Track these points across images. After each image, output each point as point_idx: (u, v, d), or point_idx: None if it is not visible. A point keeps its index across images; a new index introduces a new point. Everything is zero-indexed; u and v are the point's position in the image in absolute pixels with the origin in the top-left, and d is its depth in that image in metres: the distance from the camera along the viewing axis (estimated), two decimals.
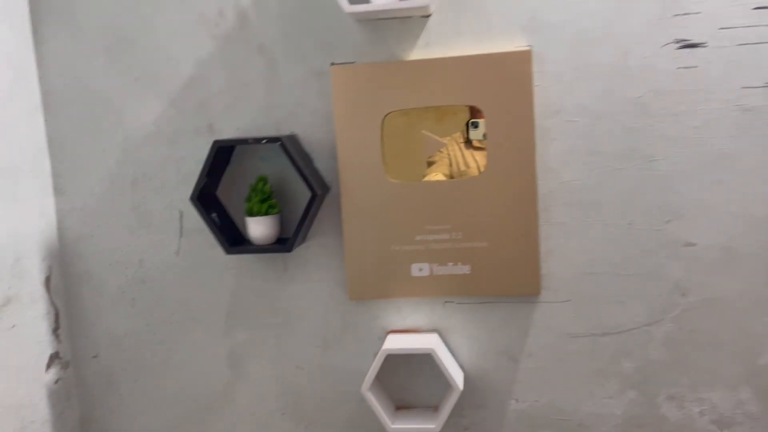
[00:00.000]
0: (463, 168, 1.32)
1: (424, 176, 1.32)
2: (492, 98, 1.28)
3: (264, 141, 1.28)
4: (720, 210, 1.26)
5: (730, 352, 1.29)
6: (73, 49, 1.41)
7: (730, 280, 1.28)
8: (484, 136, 1.29)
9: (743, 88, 1.23)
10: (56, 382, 1.45)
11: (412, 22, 1.30)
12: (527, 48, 1.28)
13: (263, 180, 1.33)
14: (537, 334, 1.35)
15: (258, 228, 1.32)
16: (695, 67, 1.24)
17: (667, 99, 1.25)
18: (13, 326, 1.34)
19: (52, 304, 1.45)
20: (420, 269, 1.35)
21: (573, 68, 1.27)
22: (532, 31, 1.28)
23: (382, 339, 1.38)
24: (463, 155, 1.31)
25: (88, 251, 1.47)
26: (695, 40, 1.23)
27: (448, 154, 1.31)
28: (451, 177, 1.32)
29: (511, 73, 1.28)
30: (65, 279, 1.49)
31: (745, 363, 1.29)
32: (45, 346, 1.43)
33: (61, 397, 1.46)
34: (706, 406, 1.31)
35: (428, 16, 1.30)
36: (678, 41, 1.24)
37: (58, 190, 1.46)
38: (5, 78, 1.35)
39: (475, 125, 1.30)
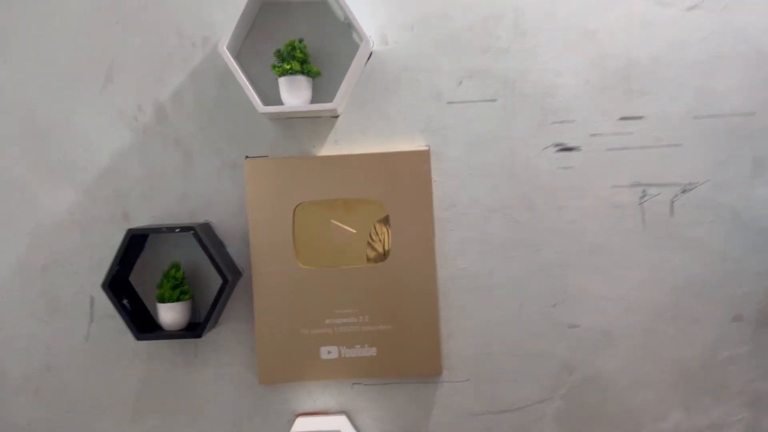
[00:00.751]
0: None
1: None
2: (395, 192, 1.39)
3: (177, 230, 1.33)
4: (597, 295, 1.40)
5: (612, 426, 1.40)
6: None
7: (610, 359, 1.40)
8: None
9: (613, 186, 1.40)
10: None
11: (322, 121, 1.42)
12: (426, 148, 1.41)
13: (176, 266, 1.37)
14: (440, 413, 1.42)
15: (169, 314, 1.35)
16: (572, 167, 1.40)
17: (548, 195, 1.40)
18: None
19: None
20: (329, 352, 1.41)
21: (467, 166, 1.41)
22: (430, 133, 1.41)
23: (292, 422, 1.41)
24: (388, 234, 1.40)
25: None
26: (571, 145, 1.40)
27: (376, 233, 1.40)
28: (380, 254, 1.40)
29: (412, 170, 1.40)
30: None
31: None
32: None
33: None
34: None
35: (337, 117, 1.41)
36: (556, 145, 1.40)
37: None
38: None
39: None
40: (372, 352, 1.41)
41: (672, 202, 1.39)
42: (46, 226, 1.43)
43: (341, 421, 1.38)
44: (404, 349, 1.40)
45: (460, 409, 1.42)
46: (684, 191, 1.39)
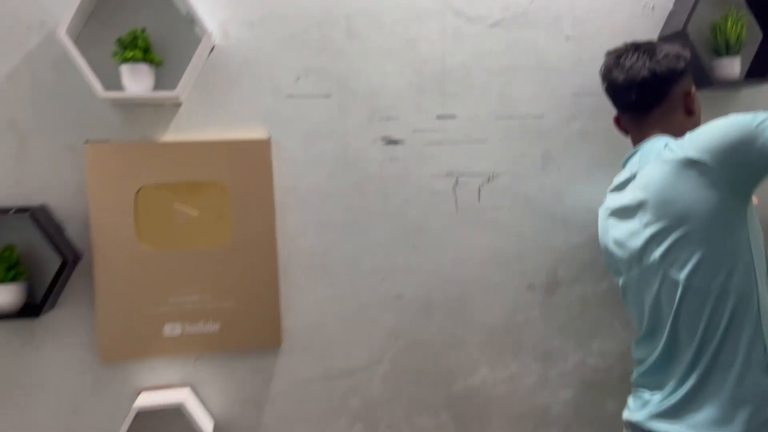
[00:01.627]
0: None
1: None
2: (237, 178, 1.49)
3: (12, 211, 1.33)
4: (418, 269, 1.60)
5: (431, 384, 1.62)
6: None
7: (428, 325, 1.61)
8: None
9: (431, 176, 1.61)
10: None
11: (165, 109, 1.48)
12: (267, 137, 1.52)
13: (10, 248, 1.36)
14: (279, 382, 1.54)
15: (2, 296, 1.34)
16: (397, 158, 1.59)
17: (377, 183, 1.58)
18: None
19: None
20: (172, 329, 1.47)
21: (305, 155, 1.55)
22: (271, 123, 1.53)
23: (134, 399, 1.46)
24: None
25: None
26: (396, 138, 1.59)
27: None
28: None
29: (253, 157, 1.51)
30: None
31: (443, 392, 1.62)
32: None
33: None
34: (416, 431, 1.61)
35: (179, 105, 1.48)
36: (384, 138, 1.59)
37: None
38: None
39: None
40: (215, 327, 1.49)
41: (479, 190, 1.63)
42: None
43: (184, 393, 1.45)
44: (246, 324, 1.51)
45: (298, 376, 1.55)
46: (488, 180, 1.64)
